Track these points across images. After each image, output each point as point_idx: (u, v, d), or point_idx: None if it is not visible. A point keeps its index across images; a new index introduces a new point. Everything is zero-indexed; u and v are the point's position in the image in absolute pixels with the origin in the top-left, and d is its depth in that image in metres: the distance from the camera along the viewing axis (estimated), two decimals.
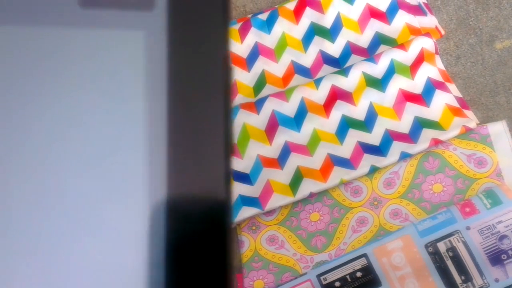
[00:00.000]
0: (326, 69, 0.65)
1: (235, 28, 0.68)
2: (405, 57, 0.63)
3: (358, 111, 0.62)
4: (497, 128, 0.60)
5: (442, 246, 0.55)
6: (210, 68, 0.18)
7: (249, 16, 0.69)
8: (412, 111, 0.61)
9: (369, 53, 0.65)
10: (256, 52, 0.67)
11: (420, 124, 0.60)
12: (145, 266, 0.17)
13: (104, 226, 0.17)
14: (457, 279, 0.54)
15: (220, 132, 0.18)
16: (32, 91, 0.17)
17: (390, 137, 0.60)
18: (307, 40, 0.67)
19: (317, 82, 0.63)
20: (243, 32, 0.68)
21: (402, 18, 0.66)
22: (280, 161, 0.60)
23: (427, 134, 0.60)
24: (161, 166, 0.17)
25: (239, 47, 0.67)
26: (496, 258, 0.54)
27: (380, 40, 0.66)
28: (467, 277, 0.54)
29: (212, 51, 0.18)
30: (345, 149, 0.60)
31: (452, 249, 0.54)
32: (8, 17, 0.17)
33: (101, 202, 0.17)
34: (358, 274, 0.55)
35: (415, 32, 0.65)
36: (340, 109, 0.62)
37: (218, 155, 0.18)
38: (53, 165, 0.17)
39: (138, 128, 0.17)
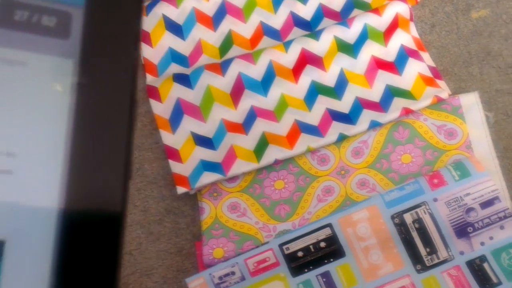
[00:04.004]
0: (296, 31, 0.62)
1: None
2: (379, 22, 0.60)
3: (328, 77, 0.60)
4: (469, 99, 0.58)
5: (408, 218, 0.53)
6: (117, 95, 0.19)
7: None
8: (384, 79, 0.59)
9: (342, 16, 0.63)
10: (223, 10, 0.63)
11: (391, 93, 0.58)
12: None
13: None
14: (422, 251, 0.52)
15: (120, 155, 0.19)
16: None
17: (360, 105, 0.58)
18: (277, 0, 0.64)
19: (287, 45, 0.60)
20: None
21: None
22: (245, 126, 0.57)
23: (398, 103, 0.57)
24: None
25: (205, 5, 0.63)
26: (462, 230, 0.52)
27: (353, 3, 0.63)
28: (432, 249, 0.52)
29: (120, 81, 0.19)
30: (314, 116, 0.58)
31: (418, 221, 0.53)
32: None
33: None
34: (322, 244, 0.53)
35: None
36: (310, 74, 0.59)
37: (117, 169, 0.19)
38: None
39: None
